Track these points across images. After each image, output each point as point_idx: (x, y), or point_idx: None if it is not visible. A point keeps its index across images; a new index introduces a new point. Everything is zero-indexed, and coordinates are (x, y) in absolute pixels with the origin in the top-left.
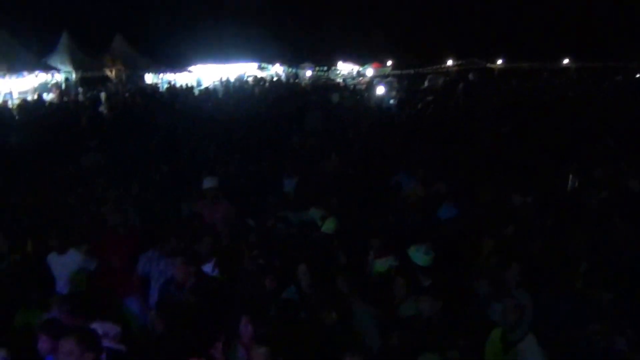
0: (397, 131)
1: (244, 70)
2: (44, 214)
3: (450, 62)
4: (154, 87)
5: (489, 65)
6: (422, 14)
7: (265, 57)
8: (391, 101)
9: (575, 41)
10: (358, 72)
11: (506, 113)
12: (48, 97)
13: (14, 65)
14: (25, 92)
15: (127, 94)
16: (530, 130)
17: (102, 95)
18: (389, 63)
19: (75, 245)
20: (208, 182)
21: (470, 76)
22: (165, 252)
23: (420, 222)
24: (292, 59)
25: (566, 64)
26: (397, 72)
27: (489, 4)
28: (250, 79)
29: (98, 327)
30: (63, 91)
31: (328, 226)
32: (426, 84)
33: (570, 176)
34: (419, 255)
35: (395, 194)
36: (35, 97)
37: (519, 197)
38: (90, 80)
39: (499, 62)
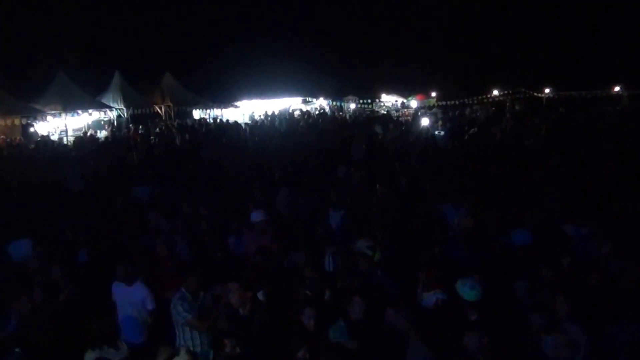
0: (443, 162)
1: (289, 104)
2: (102, 245)
3: (496, 92)
4: (201, 122)
5: (536, 94)
6: (467, 44)
7: (309, 90)
8: (436, 132)
9: (627, 69)
10: (402, 103)
11: (556, 142)
12: (101, 133)
13: (70, 104)
14: (80, 129)
15: (174, 130)
16: (583, 159)
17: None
18: (434, 94)
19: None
20: (256, 216)
21: (517, 106)
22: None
23: (468, 254)
24: (336, 92)
25: (617, 91)
26: (442, 103)
27: (535, 34)
28: (295, 113)
29: None
30: (115, 127)
31: (379, 256)
32: (472, 114)
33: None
34: (465, 290)
35: (442, 225)
36: (90, 133)
37: (573, 228)
38: (140, 117)
39: (547, 90)
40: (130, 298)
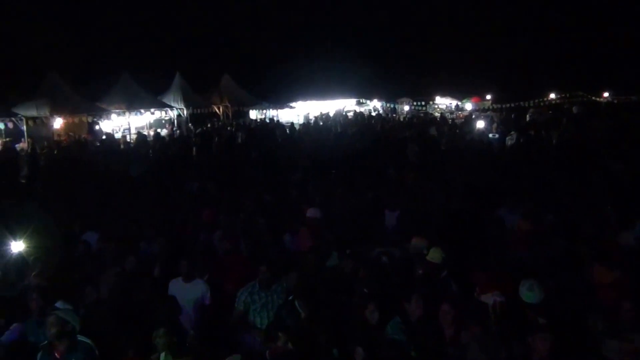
0: (499, 165)
1: (344, 105)
2: (169, 240)
3: (553, 95)
4: (259, 123)
5: (594, 98)
6: (523, 45)
7: (363, 92)
8: (491, 135)
9: None
10: (457, 106)
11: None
12: (162, 132)
13: (133, 103)
14: (142, 127)
15: (232, 129)
16: None
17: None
18: (488, 97)
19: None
20: (312, 212)
21: (575, 109)
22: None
23: (527, 257)
24: (390, 94)
25: None
26: (498, 106)
27: (594, 36)
28: (349, 114)
29: None
30: (175, 126)
31: (434, 255)
32: (528, 117)
33: None
34: (523, 291)
35: (498, 228)
36: (152, 132)
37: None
38: (199, 117)
39: (605, 94)
40: (188, 295)
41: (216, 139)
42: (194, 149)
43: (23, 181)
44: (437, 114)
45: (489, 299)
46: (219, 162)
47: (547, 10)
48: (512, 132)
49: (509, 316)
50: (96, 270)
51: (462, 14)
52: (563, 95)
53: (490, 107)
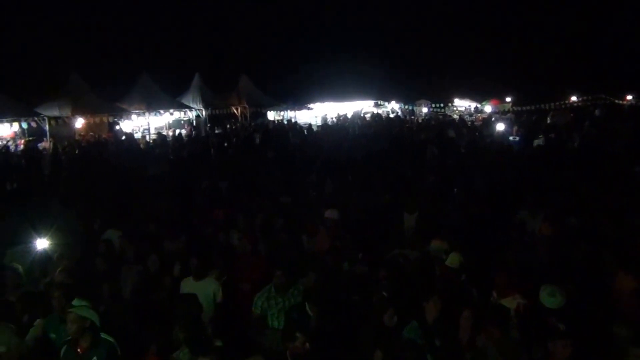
0: (519, 168)
1: (362, 106)
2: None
3: (574, 98)
4: (276, 124)
5: (617, 101)
6: (544, 47)
7: (382, 94)
8: (511, 138)
9: None
10: (476, 108)
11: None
12: (180, 132)
13: (152, 104)
14: (161, 128)
15: (250, 130)
16: None
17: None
18: (508, 99)
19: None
20: (330, 213)
21: (597, 112)
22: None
23: (548, 260)
24: (409, 96)
25: None
26: (518, 108)
27: (616, 38)
28: (367, 116)
29: None
30: (194, 127)
31: (453, 260)
32: (549, 120)
33: None
34: (544, 296)
35: (519, 231)
36: (171, 132)
37: None
38: (217, 117)
39: (629, 97)
40: (199, 293)
41: (234, 139)
42: (212, 149)
43: (45, 179)
44: (455, 116)
45: (509, 302)
46: (236, 163)
47: (569, 12)
48: (540, 135)
49: (530, 321)
50: (117, 269)
51: (482, 16)
52: (585, 97)
53: (510, 110)
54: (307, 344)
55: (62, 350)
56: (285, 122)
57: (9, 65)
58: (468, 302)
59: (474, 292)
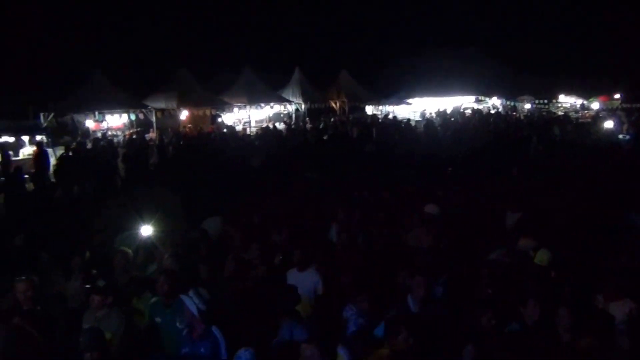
0: (630, 168)
1: (462, 102)
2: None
3: None
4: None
5: None
6: None
7: (483, 89)
8: (620, 136)
9: None
10: (582, 105)
11: None
12: (280, 125)
13: (254, 97)
14: (261, 121)
15: (347, 124)
16: None
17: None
18: (617, 96)
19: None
20: (430, 208)
21: None
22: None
23: None
24: (511, 92)
25: None
26: (628, 105)
27: None
28: (467, 112)
29: None
30: (293, 121)
31: (541, 257)
32: None
33: None
34: None
35: (631, 233)
36: (271, 125)
37: None
38: (316, 111)
39: None
40: (301, 284)
41: (330, 133)
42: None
43: (152, 169)
44: (560, 113)
45: (619, 307)
46: (332, 156)
47: None
48: None
49: None
50: (217, 257)
51: (588, 9)
52: None
53: (619, 107)
54: (411, 339)
55: (184, 332)
56: (383, 117)
57: (121, 59)
58: (561, 300)
59: (567, 290)
